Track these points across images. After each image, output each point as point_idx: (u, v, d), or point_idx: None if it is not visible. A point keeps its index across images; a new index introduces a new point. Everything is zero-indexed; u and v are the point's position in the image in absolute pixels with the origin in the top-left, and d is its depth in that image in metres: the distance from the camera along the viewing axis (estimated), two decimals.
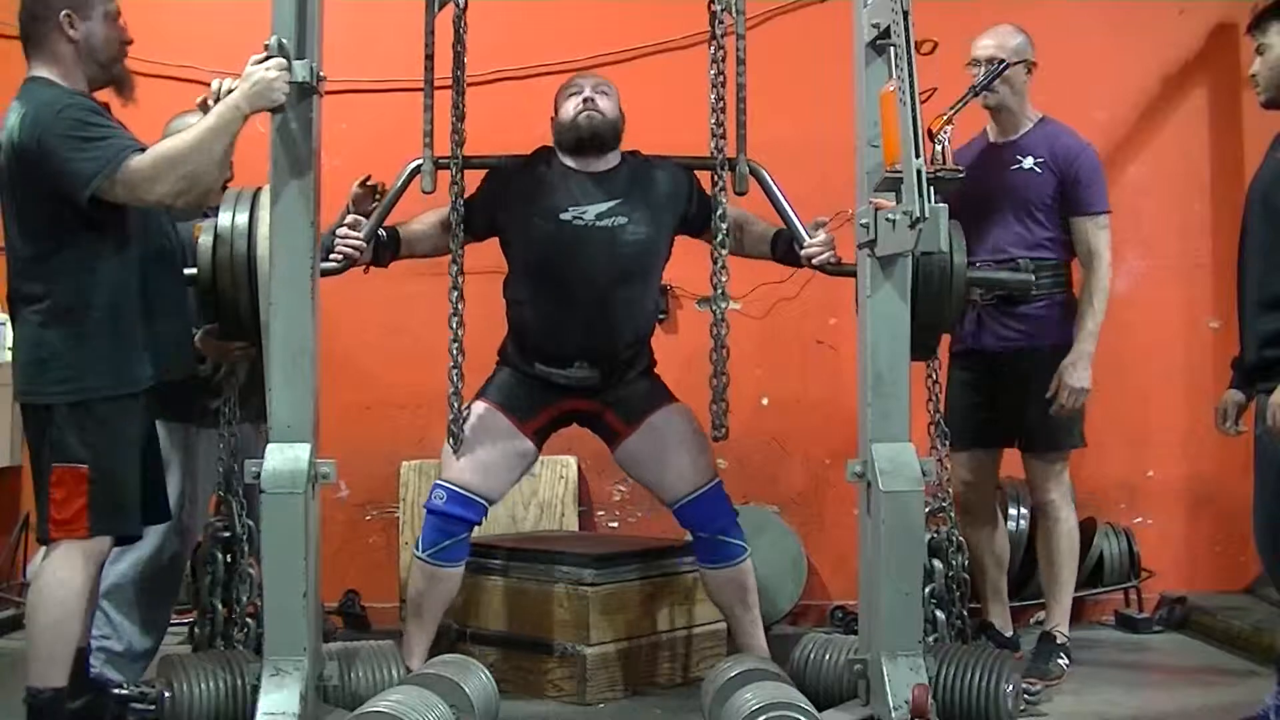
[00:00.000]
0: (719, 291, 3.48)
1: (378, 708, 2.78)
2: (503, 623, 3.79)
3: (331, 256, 3.37)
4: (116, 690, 3.31)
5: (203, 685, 3.00)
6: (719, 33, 3.56)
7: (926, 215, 2.61)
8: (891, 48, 2.79)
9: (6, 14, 4.87)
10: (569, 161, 3.62)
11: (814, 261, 3.46)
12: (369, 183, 3.59)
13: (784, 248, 3.60)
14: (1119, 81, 4.99)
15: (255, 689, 2.89)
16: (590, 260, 3.51)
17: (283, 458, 2.92)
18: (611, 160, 3.63)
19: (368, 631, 4.55)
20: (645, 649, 3.77)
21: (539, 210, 3.55)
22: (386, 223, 3.54)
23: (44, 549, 2.99)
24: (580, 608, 3.64)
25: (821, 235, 3.46)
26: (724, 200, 3.52)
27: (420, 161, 3.56)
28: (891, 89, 2.75)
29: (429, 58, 3.55)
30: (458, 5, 3.50)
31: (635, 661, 3.73)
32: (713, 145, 3.53)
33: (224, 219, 3.16)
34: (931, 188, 2.63)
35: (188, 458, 3.60)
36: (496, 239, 3.67)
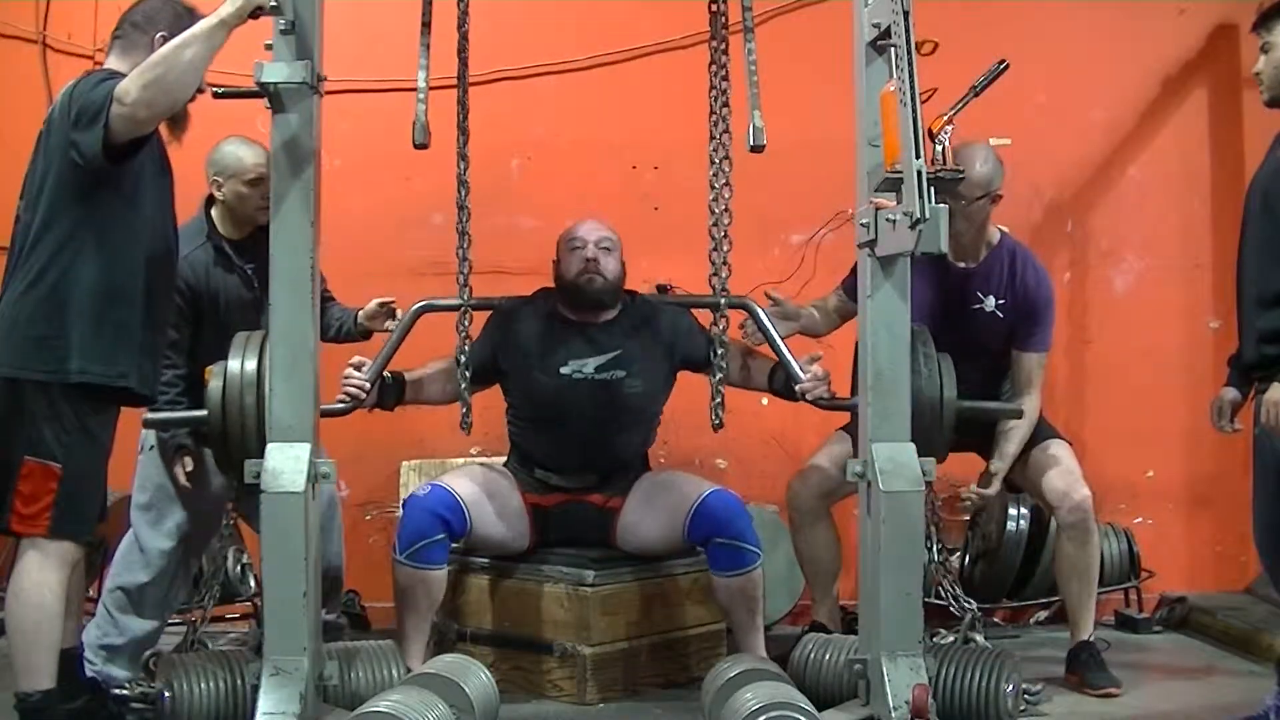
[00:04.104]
0: (720, 288, 3.49)
1: (378, 708, 2.78)
2: (503, 623, 3.79)
3: (337, 397, 3.45)
4: (117, 690, 3.33)
5: (203, 685, 3.00)
6: (720, 24, 3.57)
7: (927, 216, 2.61)
8: (892, 48, 2.79)
9: (7, 14, 4.92)
10: (569, 314, 3.69)
11: (808, 397, 3.51)
12: (386, 304, 3.65)
13: (781, 381, 3.65)
14: (1119, 81, 4.99)
15: (255, 689, 2.89)
16: (591, 412, 3.63)
17: (283, 458, 2.92)
18: (611, 313, 3.71)
19: (368, 631, 4.54)
20: (645, 649, 3.76)
21: (539, 364, 3.65)
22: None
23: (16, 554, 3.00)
24: (580, 608, 3.63)
25: (815, 369, 3.51)
26: (723, 334, 3.64)
27: (425, 303, 3.65)
28: (892, 89, 2.75)
29: (425, 25, 3.55)
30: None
31: (635, 661, 3.73)
32: (712, 146, 3.55)
33: (233, 365, 3.14)
34: (932, 188, 2.63)
35: (194, 465, 3.59)
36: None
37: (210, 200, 3.68)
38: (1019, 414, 3.67)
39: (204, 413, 3.16)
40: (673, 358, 3.73)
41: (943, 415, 3.29)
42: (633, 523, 3.70)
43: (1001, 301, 3.77)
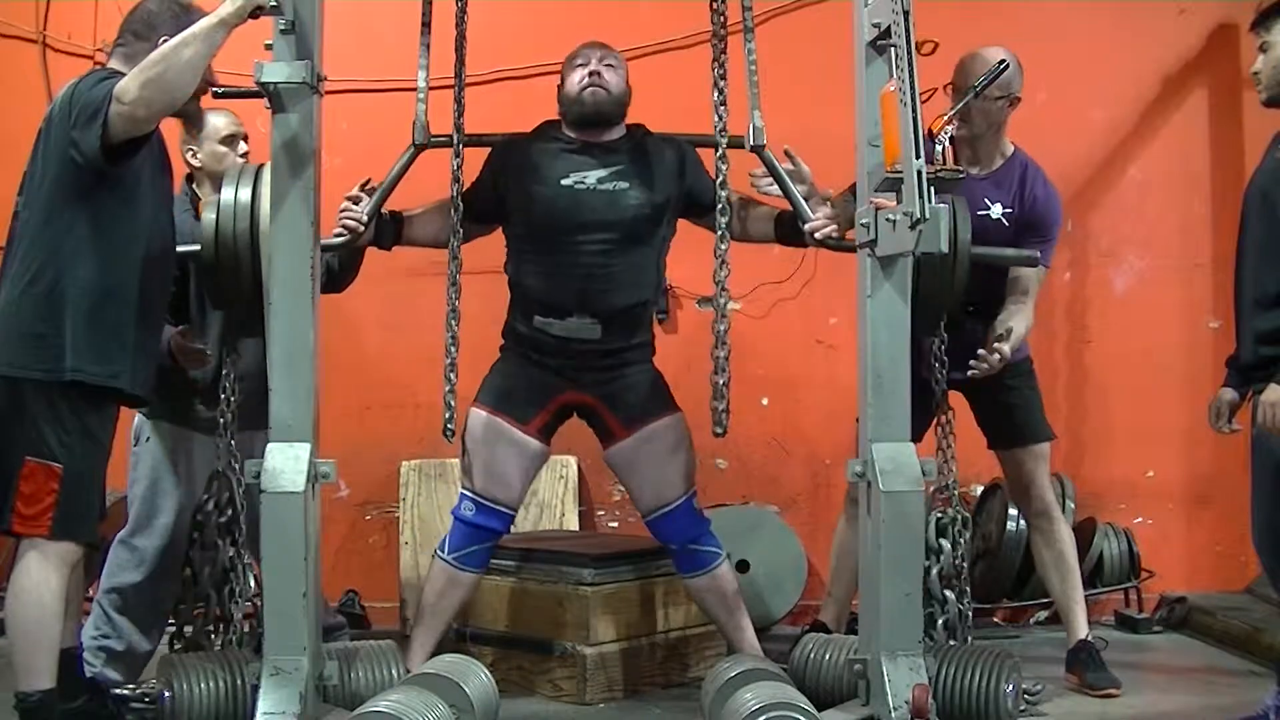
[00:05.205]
0: (720, 287, 3.48)
1: (378, 708, 2.78)
2: (503, 623, 3.80)
3: (334, 230, 3.37)
4: (117, 690, 3.33)
5: (203, 685, 2.99)
6: (720, 24, 3.55)
7: (927, 216, 2.61)
8: (892, 48, 2.79)
9: (7, 14, 4.93)
10: (572, 133, 3.62)
11: (817, 235, 3.42)
12: (369, 186, 3.59)
13: (788, 227, 3.57)
14: (1119, 81, 5.00)
15: (255, 689, 2.89)
16: (591, 220, 3.50)
17: (283, 457, 2.92)
18: (615, 133, 3.63)
19: (368, 631, 4.55)
20: (645, 649, 3.77)
21: (541, 178, 3.55)
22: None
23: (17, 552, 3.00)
24: (580, 608, 3.64)
25: (825, 209, 3.43)
26: (726, 190, 3.51)
27: (423, 140, 3.54)
28: (892, 89, 2.75)
29: (425, 24, 3.54)
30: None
31: (635, 661, 3.73)
32: (715, 140, 3.54)
33: (226, 195, 3.15)
34: (932, 188, 2.63)
35: (186, 461, 3.59)
36: (499, 229, 3.66)
37: (190, 177, 3.67)
38: (1034, 260, 3.62)
39: (198, 247, 3.17)
40: (676, 186, 3.61)
41: (955, 256, 3.24)
42: (620, 465, 3.65)
43: (1009, 210, 3.75)
